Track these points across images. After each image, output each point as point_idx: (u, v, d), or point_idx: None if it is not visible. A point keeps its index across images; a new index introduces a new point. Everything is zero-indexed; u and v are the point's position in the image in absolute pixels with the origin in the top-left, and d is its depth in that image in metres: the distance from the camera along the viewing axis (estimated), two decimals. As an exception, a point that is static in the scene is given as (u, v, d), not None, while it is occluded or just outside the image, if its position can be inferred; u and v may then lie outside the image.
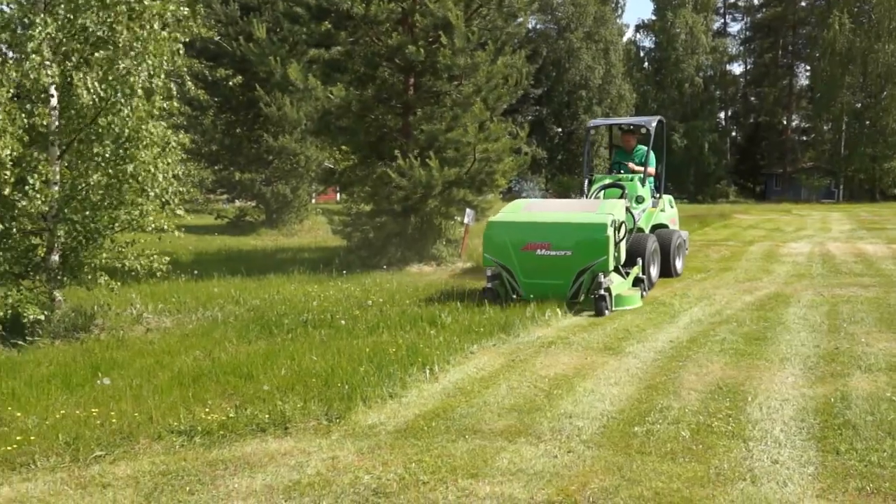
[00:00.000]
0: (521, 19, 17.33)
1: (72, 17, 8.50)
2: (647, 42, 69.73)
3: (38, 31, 8.00)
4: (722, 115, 69.89)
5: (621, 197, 11.75)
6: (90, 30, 8.50)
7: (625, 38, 68.51)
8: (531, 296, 10.02)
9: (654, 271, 12.03)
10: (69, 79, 8.24)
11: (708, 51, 63.66)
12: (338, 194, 40.31)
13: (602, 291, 9.77)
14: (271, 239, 24.90)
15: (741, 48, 72.16)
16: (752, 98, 70.35)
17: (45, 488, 4.52)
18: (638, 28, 71.46)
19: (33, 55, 7.95)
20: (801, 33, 66.29)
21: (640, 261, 11.12)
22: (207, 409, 5.79)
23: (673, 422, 5.50)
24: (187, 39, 9.50)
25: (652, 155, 13.06)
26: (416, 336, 8.23)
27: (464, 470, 4.65)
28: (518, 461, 4.79)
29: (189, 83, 10.66)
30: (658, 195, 13.46)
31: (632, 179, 12.50)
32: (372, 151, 16.41)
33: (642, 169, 12.82)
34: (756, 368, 6.97)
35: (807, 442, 5.07)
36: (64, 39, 8.54)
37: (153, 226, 9.17)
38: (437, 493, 4.32)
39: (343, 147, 18.23)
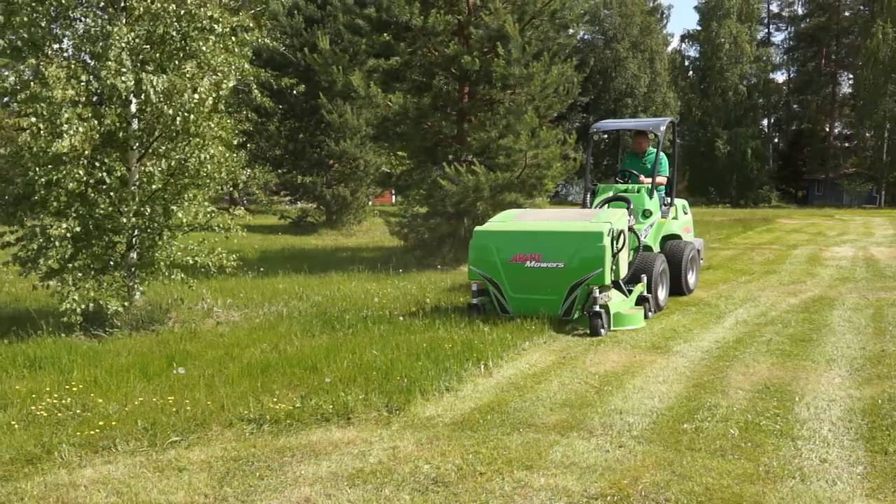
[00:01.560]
0: (572, 31, 17.23)
1: (150, 27, 8.67)
2: (692, 51, 68.89)
3: (116, 40, 8.16)
4: (765, 122, 68.66)
5: (628, 210, 10.00)
6: (167, 39, 8.65)
7: (670, 48, 67.79)
8: (519, 312, 8.89)
9: (663, 293, 10.26)
10: (143, 84, 8.38)
11: (752, 60, 62.57)
12: (393, 197, 40.53)
13: (597, 308, 8.39)
14: (331, 239, 25.07)
15: (785, 57, 70.84)
16: (795, 106, 69.01)
17: (126, 471, 4.59)
18: (683, 38, 70.82)
19: (109, 62, 8.11)
20: (845, 42, 64.83)
21: (644, 277, 9.59)
22: (275, 399, 5.83)
23: (721, 419, 5.40)
24: (250, 49, 9.62)
25: (664, 160, 11.54)
26: (470, 332, 8.21)
27: (519, 462, 4.62)
28: (571, 454, 4.74)
29: (256, 91, 10.77)
30: (669, 201, 11.66)
31: (638, 191, 10.74)
32: (427, 156, 16.45)
33: (650, 181, 10.96)
34: (802, 369, 6.82)
35: (855, 442, 4.94)
36: (144, 48, 8.70)
37: (220, 225, 9.28)
38: (493, 483, 4.30)
39: (400, 152, 18.28)
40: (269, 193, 34.88)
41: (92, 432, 5.18)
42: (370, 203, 31.20)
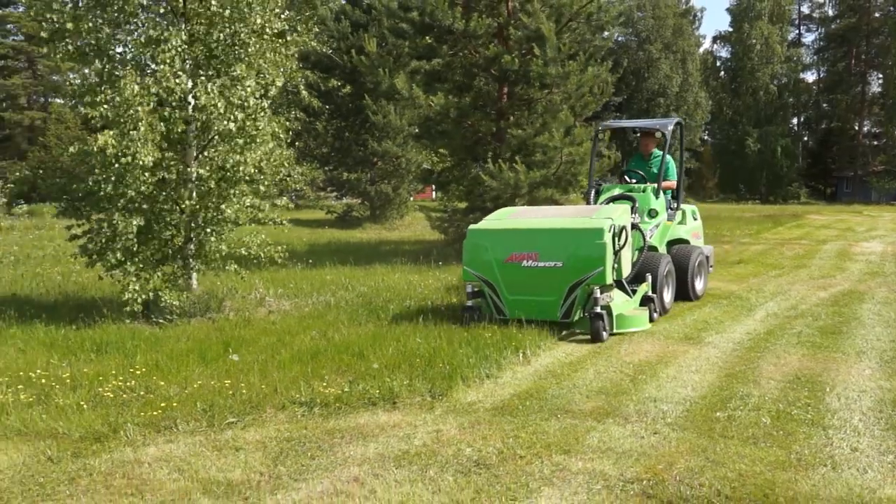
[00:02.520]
0: (607, 33, 17.09)
1: (205, 32, 8.78)
2: (724, 52, 67.82)
3: (171, 44, 8.28)
4: (795, 120, 67.45)
5: (632, 211, 9.14)
6: (220, 43, 8.75)
7: (702, 49, 66.89)
8: (516, 315, 8.06)
9: (668, 295, 9.43)
10: (198, 87, 8.49)
11: (782, 60, 61.48)
12: (434, 193, 40.57)
13: (598, 309, 7.64)
14: (375, 232, 25.19)
15: (815, 57, 69.46)
16: (825, 105, 67.65)
17: (186, 449, 4.67)
18: (715, 39, 69.81)
19: (164, 66, 8.24)
20: (875, 43, 63.33)
21: (649, 277, 8.83)
22: (325, 384, 5.89)
23: (753, 408, 5.34)
24: (296, 51, 9.69)
25: (671, 164, 10.50)
26: (508, 322, 8.21)
27: (557, 446, 4.61)
28: (607, 440, 4.73)
29: (304, 92, 10.85)
30: (675, 206, 10.61)
31: (644, 190, 9.88)
32: (467, 154, 16.46)
33: (662, 183, 10.03)
34: (833, 361, 6.71)
35: (885, 432, 4.85)
36: (198, 52, 8.82)
37: (269, 218, 9.38)
38: (533, 466, 4.30)
39: (441, 150, 18.31)
40: (316, 189, 35.19)
41: (154, 413, 5.28)
42: (411, 199, 31.31)
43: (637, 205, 9.32)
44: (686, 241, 10.60)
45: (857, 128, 63.74)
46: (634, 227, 8.91)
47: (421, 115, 15.60)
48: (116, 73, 8.28)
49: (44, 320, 8.47)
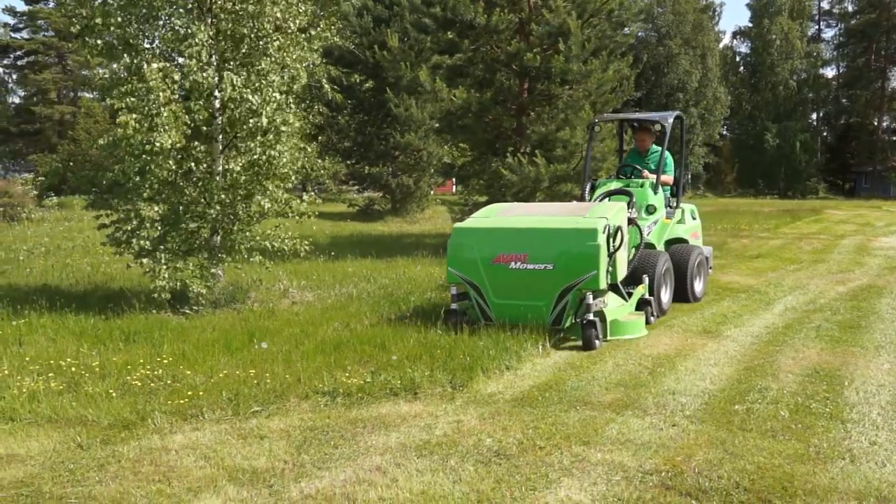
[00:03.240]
0: (628, 29, 16.97)
1: (231, 26, 8.81)
2: (744, 47, 67.22)
3: (198, 38, 8.31)
4: (814, 116, 66.69)
5: (629, 206, 8.46)
6: (245, 38, 8.78)
7: (721, 44, 66.25)
8: (503, 320, 7.41)
9: (666, 295, 8.85)
10: (224, 81, 8.52)
11: (802, 56, 60.81)
12: (454, 186, 40.54)
13: (591, 316, 6.98)
14: (396, 225, 25.23)
15: (835, 53, 68.58)
16: (844, 100, 66.76)
17: (212, 437, 4.70)
18: (735, 34, 69.15)
19: (192, 60, 8.27)
20: (895, 38, 62.52)
21: (646, 279, 8.25)
22: (347, 374, 5.91)
23: (772, 402, 5.29)
24: (321, 46, 9.71)
25: (669, 159, 9.80)
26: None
27: (576, 437, 4.60)
28: (626, 432, 4.70)
29: (327, 87, 10.88)
30: (675, 204, 9.98)
31: (642, 185, 9.22)
32: (488, 148, 16.45)
33: (653, 176, 9.38)
34: (851, 355, 6.64)
35: (904, 426, 4.80)
36: (224, 46, 8.85)
37: (294, 212, 9.40)
38: (552, 457, 4.29)
39: (462, 144, 18.29)
40: (338, 183, 35.26)
41: (181, 401, 5.31)
42: (432, 192, 31.32)
43: (634, 200, 8.71)
44: (685, 241, 9.98)
45: (876, 123, 62.91)
46: (631, 222, 8.30)
47: (442, 109, 15.59)
48: (143, 66, 8.32)
49: (73, 310, 8.55)
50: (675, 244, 9.74)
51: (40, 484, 3.99)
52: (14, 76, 58.21)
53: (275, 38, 8.90)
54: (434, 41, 15.75)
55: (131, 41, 8.58)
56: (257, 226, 9.43)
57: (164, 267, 8.47)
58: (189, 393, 5.48)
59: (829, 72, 68.47)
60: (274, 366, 6.15)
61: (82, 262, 13.47)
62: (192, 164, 8.73)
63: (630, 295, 7.99)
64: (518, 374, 6.14)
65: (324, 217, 27.09)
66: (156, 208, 8.32)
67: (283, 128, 8.85)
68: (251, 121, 8.64)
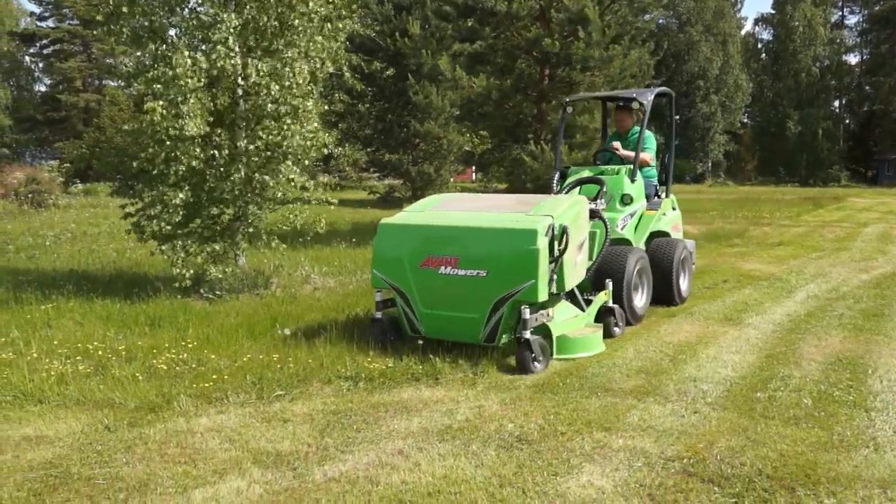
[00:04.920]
0: (649, 15, 16.83)
1: (256, 14, 8.81)
2: (766, 34, 66.48)
3: (224, 25, 8.32)
4: (836, 103, 65.86)
5: (597, 196, 7.45)
6: (269, 26, 8.78)
7: (743, 31, 65.55)
8: (433, 334, 6.31)
9: (641, 300, 7.67)
10: (249, 68, 8.53)
11: (825, 42, 60.02)
12: (474, 174, 40.49)
13: (527, 335, 5.76)
14: (416, 212, 25.15)
15: (858, 39, 67.63)
16: (867, 87, 65.83)
17: (237, 420, 4.73)
18: (757, 21, 68.39)
19: (219, 46, 8.28)
20: (920, 25, 61.53)
21: (609, 283, 7.04)
22: (369, 359, 5.91)
23: (794, 389, 5.25)
24: (345, 34, 9.69)
25: (650, 137, 8.60)
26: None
27: (597, 423, 4.58)
28: (647, 418, 4.68)
29: (348, 75, 10.86)
30: (665, 194, 8.99)
31: (617, 173, 8.02)
32: (508, 136, 16.41)
33: (630, 154, 8.27)
34: (875, 343, 6.56)
35: (929, 414, 4.74)
36: (250, 34, 8.86)
37: (315, 197, 9.40)
38: (574, 442, 4.28)
39: (483, 131, 18.25)
40: (358, 170, 35.34)
41: (206, 385, 5.35)
42: (451, 180, 31.28)
43: (605, 189, 7.64)
44: (666, 234, 8.78)
45: (899, 110, 62.02)
46: (595, 214, 7.12)
47: (463, 96, 15.57)
48: (169, 54, 8.34)
49: (100, 295, 8.63)
50: (657, 238, 8.61)
51: (69, 465, 4.03)
52: (40, 65, 58.84)
53: (299, 26, 8.89)
54: (455, 28, 15.72)
55: (156, 29, 8.61)
56: (276, 213, 9.44)
57: (184, 254, 8.52)
58: (214, 377, 5.51)
59: (853, 58, 67.61)
60: (297, 350, 6.16)
61: (108, 248, 13.59)
62: (215, 150, 8.76)
63: (589, 303, 6.92)
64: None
65: (344, 204, 27.13)
66: (181, 195, 8.36)
67: (303, 114, 8.85)
68: (270, 106, 8.65)
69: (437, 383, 5.48)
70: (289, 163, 9.00)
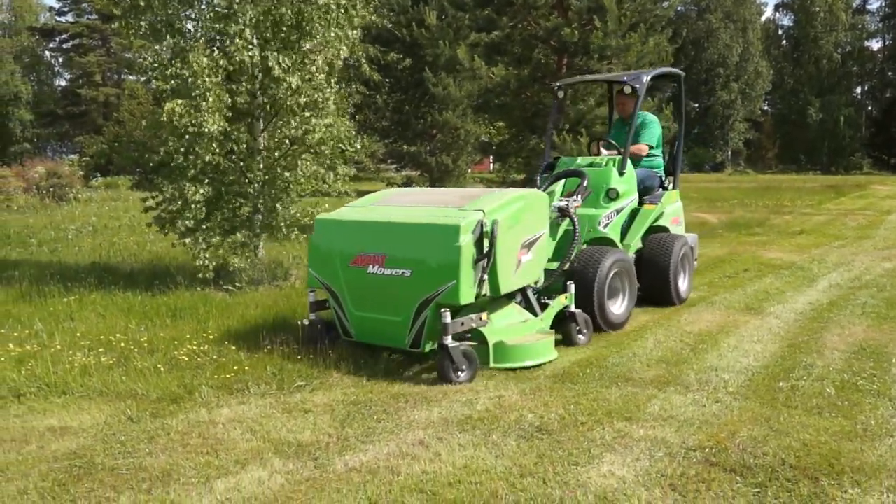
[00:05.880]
0: (668, 2, 16.68)
1: (273, 6, 8.81)
2: (786, 20, 65.75)
3: (241, 17, 8.33)
4: (858, 89, 65.09)
5: (576, 190, 6.93)
6: (286, 17, 8.78)
7: (763, 18, 64.90)
8: (364, 338, 5.92)
9: (620, 305, 6.97)
10: (269, 61, 8.53)
11: (847, 28, 59.30)
12: (491, 164, 40.39)
13: (448, 341, 5.24)
14: (434, 203, 25.15)
15: (880, 25, 66.71)
16: (890, 73, 65.04)
17: (258, 411, 4.75)
18: (777, 7, 67.70)
19: (237, 39, 8.29)
20: (944, 9, 60.68)
21: (571, 287, 6.35)
22: (388, 350, 5.92)
23: (817, 379, 5.20)
24: (359, 26, 9.67)
25: (651, 123, 8.06)
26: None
27: (618, 413, 4.56)
28: (668, 408, 4.66)
29: (365, 66, 10.84)
30: (669, 185, 8.38)
31: (607, 164, 7.49)
32: (526, 126, 16.36)
33: (631, 147, 7.68)
34: (899, 332, 6.49)
35: (954, 404, 4.68)
36: (266, 26, 8.86)
37: (333, 189, 9.41)
38: (594, 432, 4.26)
39: (500, 122, 18.22)
40: (376, 162, 35.36)
41: (227, 376, 5.38)
42: (469, 170, 31.25)
43: (585, 183, 7.03)
44: (665, 230, 8.14)
45: (923, 96, 61.23)
46: (563, 213, 6.70)
47: (481, 87, 15.53)
48: (187, 48, 8.36)
49: (121, 287, 8.70)
50: (654, 233, 7.98)
51: (93, 455, 4.07)
52: (60, 59, 59.36)
53: (316, 18, 8.88)
54: (472, 18, 15.68)
55: (174, 23, 8.64)
56: (296, 204, 9.46)
57: (205, 246, 8.57)
58: (235, 368, 5.54)
59: (875, 44, 66.68)
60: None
61: (129, 241, 13.69)
62: (234, 144, 8.79)
63: (545, 307, 6.28)
64: (558, 350, 6.10)
65: (362, 196, 27.20)
66: (201, 190, 8.40)
67: (321, 106, 8.86)
68: (289, 100, 8.66)
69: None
70: (308, 157, 9.02)
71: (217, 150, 8.46)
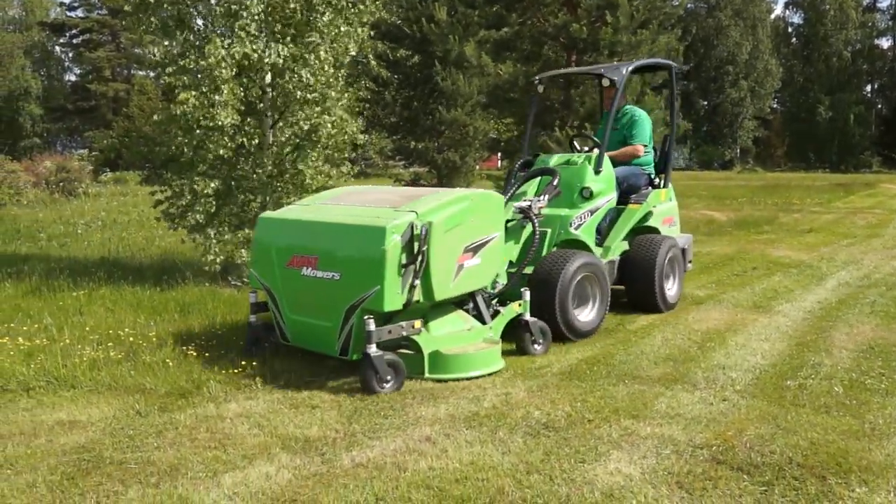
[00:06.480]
0: (678, 0, 16.62)
1: (283, 1, 8.81)
2: (796, 18, 65.41)
3: (248, 12, 8.32)
4: (868, 87, 64.75)
5: (544, 189, 6.78)
6: (293, 13, 8.78)
7: (773, 15, 64.58)
8: (298, 343, 5.71)
9: (588, 314, 6.59)
10: (273, 53, 8.52)
11: (857, 26, 58.98)
12: (499, 161, 40.32)
13: (371, 350, 4.94)
14: (442, 200, 25.13)
15: (890, 23, 66.29)
16: (900, 71, 64.74)
17: (266, 406, 4.76)
18: (787, 5, 67.28)
19: (241, 32, 8.29)
20: (955, 7, 60.28)
21: (526, 293, 5.96)
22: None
23: (825, 377, 5.18)
24: (369, 22, 9.66)
25: (641, 121, 7.64)
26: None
27: (625, 411, 4.56)
28: (676, 406, 4.65)
29: (373, 62, 10.82)
30: (662, 183, 7.95)
31: (580, 162, 7.10)
32: (535, 122, 16.27)
33: (622, 150, 7.53)
34: (908, 331, 6.47)
35: (963, 403, 4.66)
36: (274, 20, 8.86)
37: (337, 185, 9.40)
38: (601, 430, 4.26)
39: (508, 119, 18.16)
40: (384, 158, 35.37)
41: (235, 371, 5.40)
42: (477, 167, 31.19)
43: (555, 182, 6.77)
44: (655, 231, 7.73)
45: (934, 95, 60.87)
46: (524, 214, 6.47)
47: (489, 83, 15.48)
48: (198, 43, 8.36)
49: (130, 282, 8.73)
50: (640, 235, 7.59)
51: (101, 449, 4.09)
52: (70, 54, 59.53)
53: (323, 11, 8.88)
54: (481, 15, 15.63)
55: (184, 18, 8.64)
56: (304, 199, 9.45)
57: (215, 241, 8.59)
58: (243, 363, 5.56)
59: (885, 42, 66.35)
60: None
61: (137, 236, 13.74)
62: (244, 139, 8.80)
63: (496, 315, 5.91)
64: (565, 348, 6.10)
65: (371, 192, 27.19)
66: (212, 184, 8.41)
67: (328, 102, 8.86)
68: (298, 93, 8.66)
69: (463, 370, 5.47)
70: (316, 153, 9.02)
71: (228, 144, 8.47)
